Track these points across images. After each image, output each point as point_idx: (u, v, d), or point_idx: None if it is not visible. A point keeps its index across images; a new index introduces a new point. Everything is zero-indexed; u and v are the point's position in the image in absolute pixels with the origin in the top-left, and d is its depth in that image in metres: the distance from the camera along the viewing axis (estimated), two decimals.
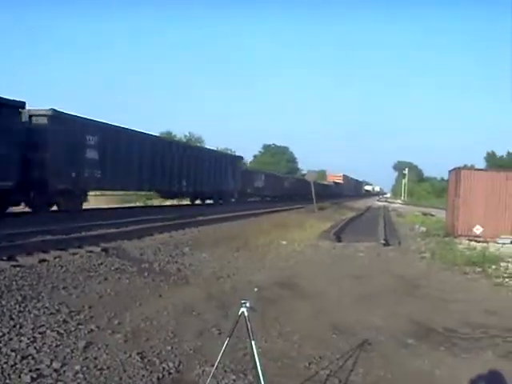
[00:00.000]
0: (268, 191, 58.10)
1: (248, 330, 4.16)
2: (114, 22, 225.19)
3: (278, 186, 62.48)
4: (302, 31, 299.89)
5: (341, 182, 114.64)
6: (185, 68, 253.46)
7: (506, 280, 12.80)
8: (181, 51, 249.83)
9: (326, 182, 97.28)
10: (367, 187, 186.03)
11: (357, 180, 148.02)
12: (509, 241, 20.62)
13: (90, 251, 12.54)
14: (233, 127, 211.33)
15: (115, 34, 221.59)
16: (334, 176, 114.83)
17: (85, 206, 24.04)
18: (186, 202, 39.31)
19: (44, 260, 10.97)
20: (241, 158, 52.46)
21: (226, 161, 42.47)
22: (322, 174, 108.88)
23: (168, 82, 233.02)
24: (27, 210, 20.72)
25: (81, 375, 5.20)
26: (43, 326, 6.59)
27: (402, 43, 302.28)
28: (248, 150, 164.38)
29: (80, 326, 6.75)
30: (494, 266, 14.45)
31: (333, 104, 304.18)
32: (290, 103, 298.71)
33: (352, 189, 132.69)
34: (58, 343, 6.02)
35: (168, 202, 39.53)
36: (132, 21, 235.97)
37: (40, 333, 6.30)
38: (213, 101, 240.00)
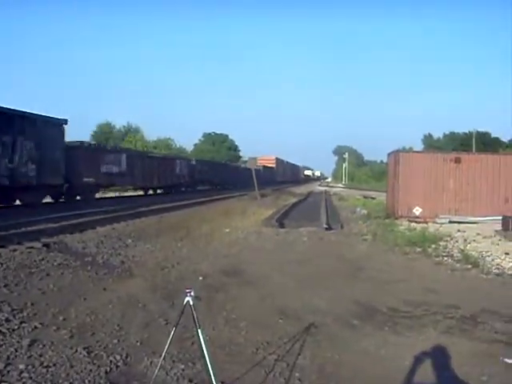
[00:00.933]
0: (135, 179, 36.61)
1: (194, 318, 4.18)
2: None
3: (160, 171, 41.07)
4: (238, 20, 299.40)
5: (272, 165, 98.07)
6: (122, 58, 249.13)
7: (445, 259, 13.22)
8: (117, 40, 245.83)
9: (254, 167, 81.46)
10: (307, 172, 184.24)
11: (293, 164, 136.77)
12: (447, 221, 21.28)
13: (31, 247, 12.21)
14: (172, 117, 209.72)
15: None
16: (265, 159, 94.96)
17: None
18: None
19: None
20: (59, 121, 24.70)
21: (8, 126, 20.74)
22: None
23: (107, 72, 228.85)
24: None
25: (26, 374, 5.10)
26: None
27: (339, 27, 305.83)
28: (189, 140, 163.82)
29: (23, 324, 6.61)
30: (433, 246, 14.92)
31: (273, 89, 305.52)
32: (231, 90, 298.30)
33: (288, 173, 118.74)
34: (1, 343, 5.87)
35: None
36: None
37: None
38: (151, 91, 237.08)
